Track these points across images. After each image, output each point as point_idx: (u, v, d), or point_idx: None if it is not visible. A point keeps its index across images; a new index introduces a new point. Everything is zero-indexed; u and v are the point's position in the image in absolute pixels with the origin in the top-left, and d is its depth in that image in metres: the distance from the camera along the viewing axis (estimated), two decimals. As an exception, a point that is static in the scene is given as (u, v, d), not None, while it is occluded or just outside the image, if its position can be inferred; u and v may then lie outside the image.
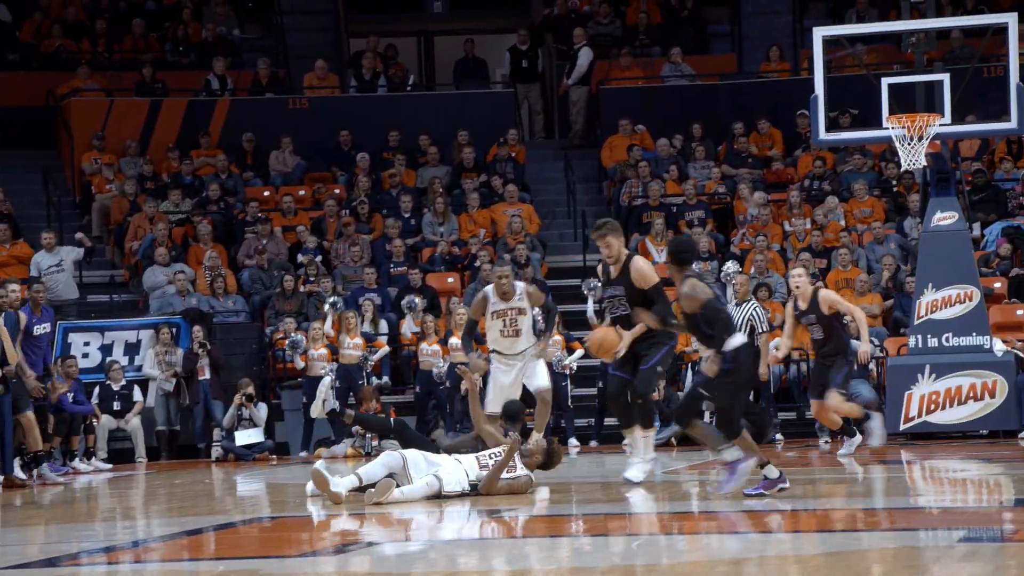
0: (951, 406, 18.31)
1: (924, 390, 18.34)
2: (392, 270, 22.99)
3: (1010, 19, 18.31)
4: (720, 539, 9.33)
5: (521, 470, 12.10)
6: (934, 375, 18.28)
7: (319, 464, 11.93)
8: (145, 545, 10.04)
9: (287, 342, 20.55)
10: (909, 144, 17.99)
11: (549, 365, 15.20)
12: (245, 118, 26.02)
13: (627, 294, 12.40)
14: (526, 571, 8.08)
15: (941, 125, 18.06)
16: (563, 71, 27.18)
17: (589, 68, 26.82)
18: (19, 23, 27.44)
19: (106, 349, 21.00)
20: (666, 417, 19.12)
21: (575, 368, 20.32)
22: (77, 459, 18.55)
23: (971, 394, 18.28)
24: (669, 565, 8.15)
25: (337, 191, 24.96)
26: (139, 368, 20.95)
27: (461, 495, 11.80)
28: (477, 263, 22.69)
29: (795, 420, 20.39)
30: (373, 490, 11.61)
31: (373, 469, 11.81)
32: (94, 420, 19.55)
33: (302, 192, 25.17)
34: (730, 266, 19.28)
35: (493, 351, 13.77)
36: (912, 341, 18.80)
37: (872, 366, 19.27)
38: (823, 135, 18.88)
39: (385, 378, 20.96)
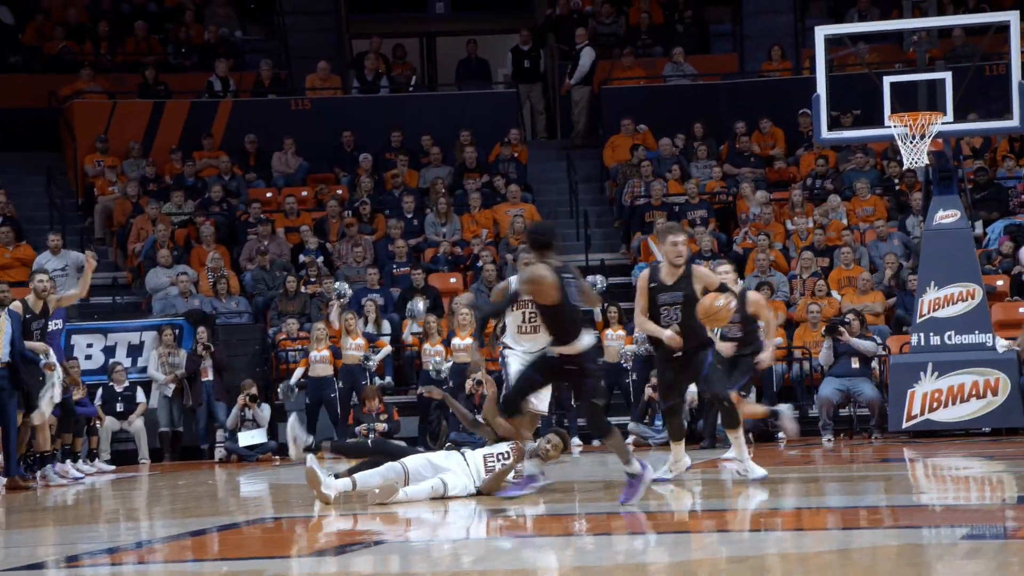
0: (953, 404, 18.29)
1: (926, 388, 18.32)
2: (395, 271, 22.99)
3: (1012, 17, 18.28)
4: (724, 537, 9.32)
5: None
6: (936, 373, 18.27)
7: (311, 462, 11.90)
8: (149, 546, 10.04)
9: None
10: (911, 142, 17.97)
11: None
12: (247, 119, 26.03)
13: (684, 302, 11.97)
14: (529, 571, 8.07)
15: (943, 123, 18.04)
16: (565, 71, 27.18)
17: (591, 68, 26.83)
18: (21, 25, 27.45)
19: (109, 351, 21.01)
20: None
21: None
22: (80, 460, 18.54)
23: (973, 392, 18.26)
24: (672, 564, 8.15)
25: (339, 192, 24.97)
26: (142, 370, 20.96)
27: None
28: (479, 263, 22.70)
29: (797, 418, 20.35)
30: (378, 491, 11.61)
31: (370, 478, 11.79)
32: (97, 422, 19.57)
33: (304, 193, 25.17)
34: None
35: (506, 347, 12.69)
36: (914, 339, 18.78)
37: (875, 364, 19.27)
38: (825, 134, 18.87)
39: (388, 379, 20.96)
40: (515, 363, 12.40)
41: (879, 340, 19.54)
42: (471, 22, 29.66)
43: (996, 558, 7.87)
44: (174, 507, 13.34)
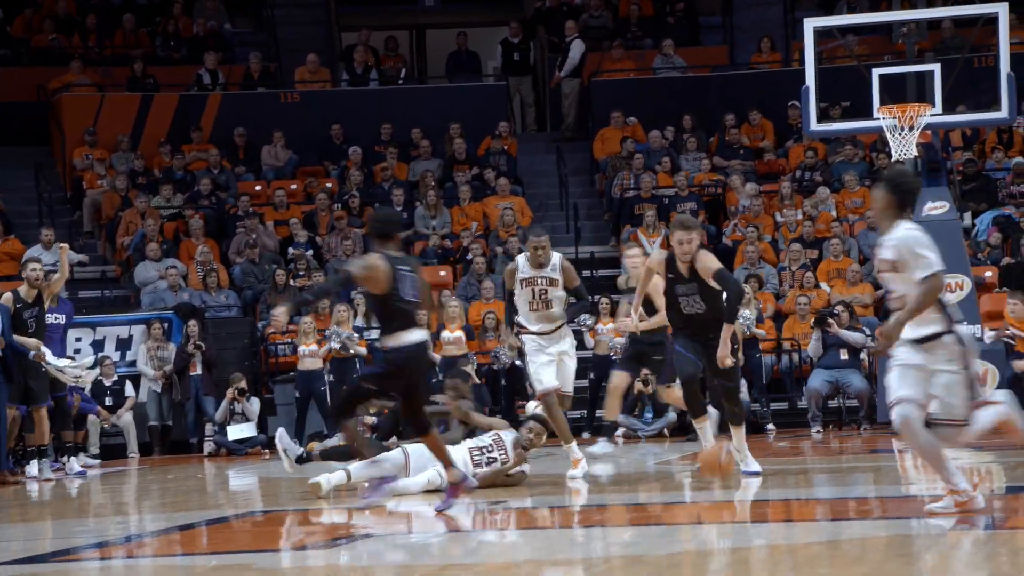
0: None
1: (916, 379, 18.32)
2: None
3: (1001, 9, 18.30)
4: (713, 528, 9.33)
5: (518, 467, 12.12)
6: (926, 365, 18.28)
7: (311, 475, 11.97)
8: (138, 540, 10.03)
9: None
10: (900, 134, 18.00)
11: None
12: (236, 112, 25.99)
13: (700, 291, 11.95)
14: (518, 563, 8.08)
15: (932, 115, 18.07)
16: (555, 64, 27.16)
17: (581, 60, 26.81)
18: (10, 18, 27.39)
19: (98, 344, 20.98)
20: (658, 408, 19.15)
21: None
22: (68, 456, 18.51)
23: (963, 383, 18.27)
24: (661, 555, 8.15)
25: (329, 185, 24.95)
26: (131, 363, 20.94)
27: None
28: (469, 256, 22.69)
29: (786, 410, 20.41)
30: (367, 485, 11.63)
31: (364, 471, 11.79)
32: (97, 416, 19.60)
33: (294, 186, 25.15)
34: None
35: (521, 331, 12.93)
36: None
37: (864, 356, 19.29)
38: (814, 126, 18.89)
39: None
40: (531, 349, 12.76)
41: (868, 331, 19.54)
42: (461, 15, 29.64)
43: (984, 548, 7.89)
44: (163, 501, 13.34)
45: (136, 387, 20.55)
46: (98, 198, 24.63)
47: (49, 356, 15.75)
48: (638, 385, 19.12)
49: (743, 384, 19.03)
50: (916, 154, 18.47)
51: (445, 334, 20.27)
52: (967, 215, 22.15)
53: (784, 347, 20.80)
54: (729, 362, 11.72)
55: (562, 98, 27.10)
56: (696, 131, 25.38)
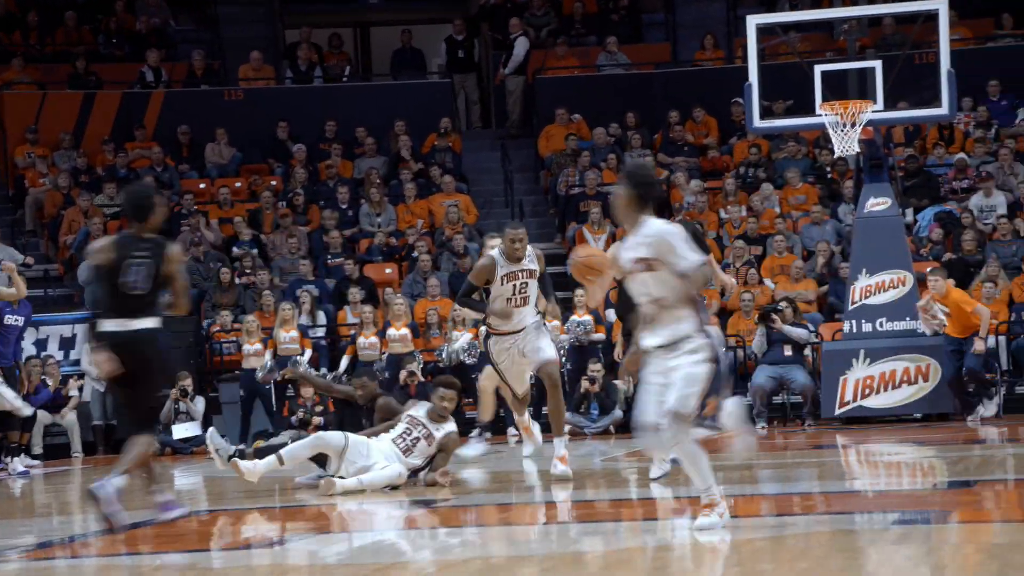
0: (885, 390, 18.41)
1: (859, 375, 18.44)
2: (329, 261, 22.92)
3: (941, 5, 18.41)
4: (658, 525, 9.35)
5: (443, 431, 12.11)
6: (868, 360, 18.38)
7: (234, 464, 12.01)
8: (82, 540, 9.96)
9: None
10: (842, 131, 18.08)
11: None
12: (180, 110, 25.86)
13: None
14: (464, 560, 8.08)
15: (874, 112, 18.15)
16: (499, 61, 27.16)
17: (525, 58, 26.82)
18: (-51, 16, 27.17)
19: (41, 344, 20.83)
20: (604, 406, 19.18)
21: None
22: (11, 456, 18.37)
23: (905, 378, 18.39)
24: (605, 552, 8.17)
25: (274, 183, 24.86)
26: (75, 362, 20.80)
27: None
28: (415, 254, 22.67)
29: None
30: (323, 483, 11.67)
31: (298, 450, 11.85)
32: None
33: (238, 184, 25.05)
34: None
35: (490, 332, 12.29)
36: (846, 326, 18.91)
37: (808, 351, 19.38)
38: (757, 123, 18.95)
39: (323, 370, 20.87)
40: (502, 357, 12.25)
41: (812, 327, 19.65)
42: (405, 12, 29.58)
43: (926, 542, 7.93)
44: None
45: (80, 386, 20.40)
46: (40, 196, 24.46)
47: None
48: (585, 383, 19.13)
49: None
50: (858, 150, 18.57)
51: (391, 332, 20.23)
52: (909, 211, 22.28)
53: (729, 343, 20.86)
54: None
55: (507, 95, 27.10)
56: (640, 128, 25.43)
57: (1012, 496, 10.16)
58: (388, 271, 22.89)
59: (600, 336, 20.19)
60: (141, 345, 10.02)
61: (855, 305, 18.78)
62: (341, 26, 29.10)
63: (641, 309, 8.30)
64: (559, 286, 20.99)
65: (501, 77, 27.07)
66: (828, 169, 23.99)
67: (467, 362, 19.38)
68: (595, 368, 19.13)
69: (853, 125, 17.99)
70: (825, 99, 18.26)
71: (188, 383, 19.84)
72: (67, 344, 21.03)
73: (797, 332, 19.03)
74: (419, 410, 12.18)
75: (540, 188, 25.82)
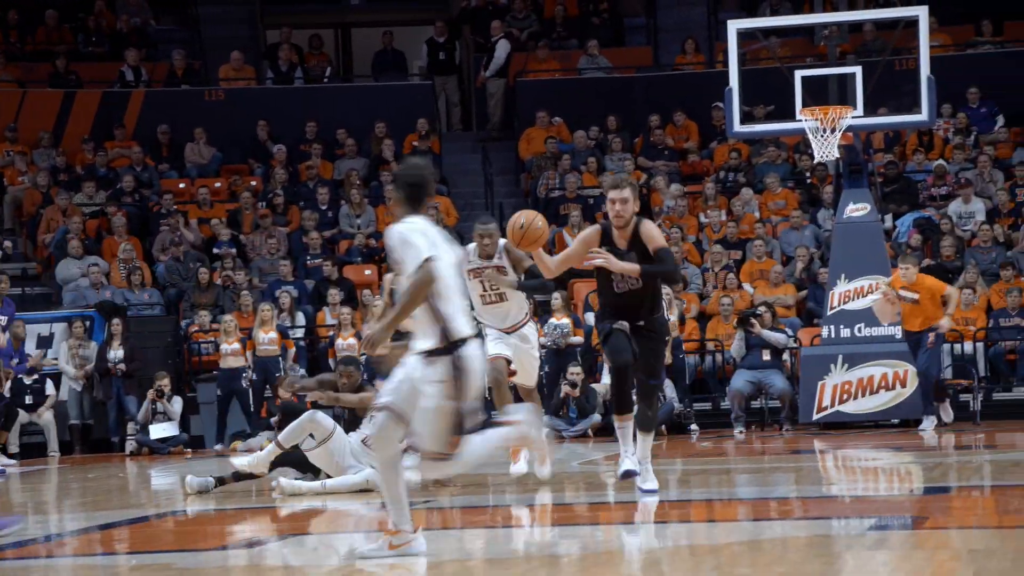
0: (863, 396, 18.43)
1: (837, 380, 18.46)
2: (308, 262, 22.89)
3: (921, 12, 18.45)
4: (635, 528, 9.35)
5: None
6: (847, 365, 18.41)
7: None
8: (58, 540, 9.93)
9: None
10: (822, 136, 18.10)
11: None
12: (160, 110, 25.80)
13: (640, 263, 10.49)
14: (438, 564, 8.06)
15: (853, 117, 18.18)
16: (480, 63, 27.16)
17: (506, 60, 26.82)
18: (-71, 13, 27.08)
19: (19, 342, 20.75)
20: (583, 410, 19.17)
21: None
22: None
23: (883, 384, 18.42)
24: (583, 555, 8.16)
25: (254, 183, 24.82)
26: (52, 361, 20.73)
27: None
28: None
29: (710, 411, 20.49)
30: (283, 482, 11.70)
31: (294, 431, 11.90)
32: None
33: (218, 184, 25.00)
34: None
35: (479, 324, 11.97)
36: (825, 331, 18.93)
37: (786, 356, 19.40)
38: (738, 127, 18.96)
39: (301, 371, 20.85)
40: (489, 334, 11.95)
41: (790, 332, 19.68)
42: (386, 13, 29.54)
43: (902, 548, 7.95)
44: (84, 500, 13.22)
45: (57, 385, 20.36)
46: (19, 195, 24.38)
47: None
48: (565, 388, 19.13)
49: (670, 386, 19.08)
50: (838, 156, 18.60)
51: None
52: (888, 217, 22.32)
53: (708, 348, 20.89)
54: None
55: (487, 98, 27.09)
56: (621, 132, 25.45)
57: (988, 502, 10.18)
58: (367, 273, 22.86)
59: (578, 339, 20.20)
60: None
61: (833, 310, 18.81)
62: (322, 27, 29.08)
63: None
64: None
65: (482, 79, 27.06)
66: (808, 174, 24.03)
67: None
68: (574, 371, 19.12)
69: (833, 130, 18.02)
70: (805, 104, 18.29)
71: (166, 383, 19.79)
72: (45, 343, 20.96)
73: (775, 337, 19.05)
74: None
75: (520, 191, 25.81)
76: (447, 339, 7.52)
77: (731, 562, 7.56)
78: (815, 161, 20.44)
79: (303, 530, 10.11)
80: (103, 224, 23.65)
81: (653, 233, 10.54)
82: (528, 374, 12.27)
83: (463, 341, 7.57)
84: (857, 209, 18.90)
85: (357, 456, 11.97)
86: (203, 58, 27.27)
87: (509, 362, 12.03)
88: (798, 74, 18.62)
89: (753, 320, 19.04)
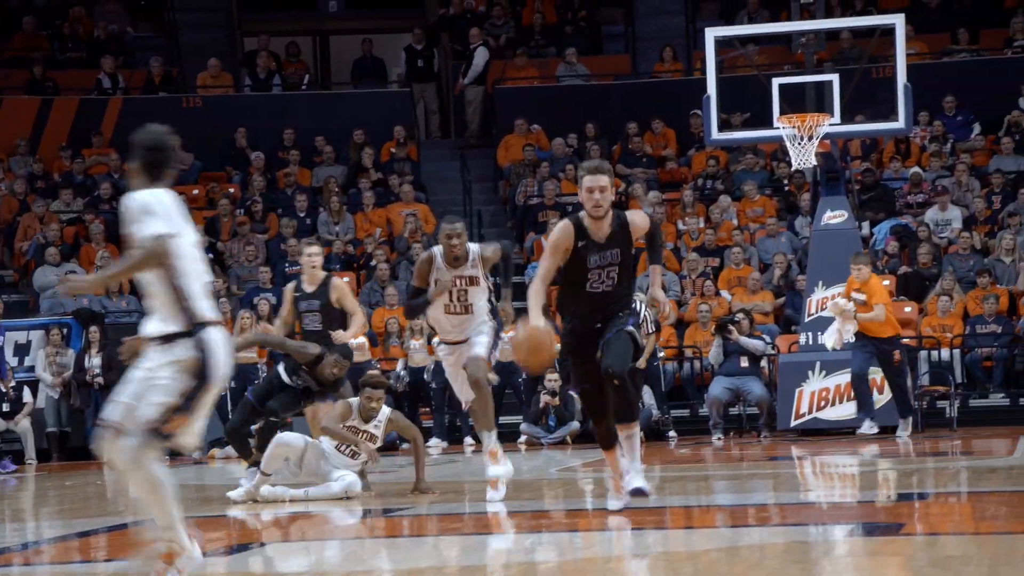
0: (840, 403, 18.47)
1: (814, 387, 18.51)
2: (287, 269, 22.85)
3: (897, 20, 18.54)
4: (613, 536, 9.36)
5: (382, 418, 12.09)
6: (824, 372, 18.45)
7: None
8: (36, 547, 9.91)
9: None
10: (800, 144, 18.16)
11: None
12: (138, 117, 25.53)
13: (622, 260, 9.58)
14: (416, 571, 8.07)
15: (831, 125, 18.25)
16: (459, 71, 27.17)
17: (485, 68, 26.84)
18: (-94, 20, 27.00)
19: (-9, 350, 20.74)
20: (561, 417, 19.18)
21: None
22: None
23: (859, 391, 18.45)
24: (560, 563, 8.17)
25: (232, 190, 24.80)
26: (30, 369, 20.70)
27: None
28: (373, 262, 22.65)
29: (688, 417, 20.53)
30: (264, 491, 11.71)
31: (270, 460, 11.90)
32: None
33: (196, 191, 24.97)
34: None
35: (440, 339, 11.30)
36: (803, 338, 18.98)
37: (764, 363, 19.44)
38: (716, 135, 19.02)
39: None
40: (446, 357, 11.27)
41: (768, 339, 19.72)
42: (364, 21, 29.55)
43: (879, 555, 7.97)
44: (61, 508, 13.19)
45: (34, 393, 20.31)
46: (-4, 202, 24.34)
47: None
48: (545, 398, 19.13)
49: (648, 393, 19.07)
50: (815, 163, 18.66)
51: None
52: (865, 224, 22.39)
53: (686, 354, 20.92)
54: (664, 305, 9.73)
55: (466, 105, 27.12)
56: (599, 139, 25.48)
57: (965, 508, 10.22)
58: (346, 279, 22.79)
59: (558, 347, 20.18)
60: None
61: (811, 317, 18.86)
62: (300, 34, 29.07)
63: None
64: (520, 296, 21.00)
65: (460, 87, 27.09)
66: (786, 182, 24.09)
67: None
68: (552, 378, 19.13)
69: (810, 138, 18.08)
70: (783, 112, 18.35)
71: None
72: (22, 350, 20.92)
73: (753, 344, 19.08)
74: (353, 417, 12.11)
75: (499, 198, 25.83)
76: (190, 321, 6.77)
77: (709, 569, 7.58)
78: (793, 168, 20.48)
79: (286, 537, 10.10)
80: (80, 231, 23.61)
81: (639, 222, 9.72)
82: (478, 344, 11.09)
83: (206, 324, 6.79)
84: (834, 216, 18.95)
85: (333, 461, 11.98)
86: (181, 65, 27.23)
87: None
88: (776, 82, 18.68)
89: (731, 327, 19.08)
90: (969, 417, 19.48)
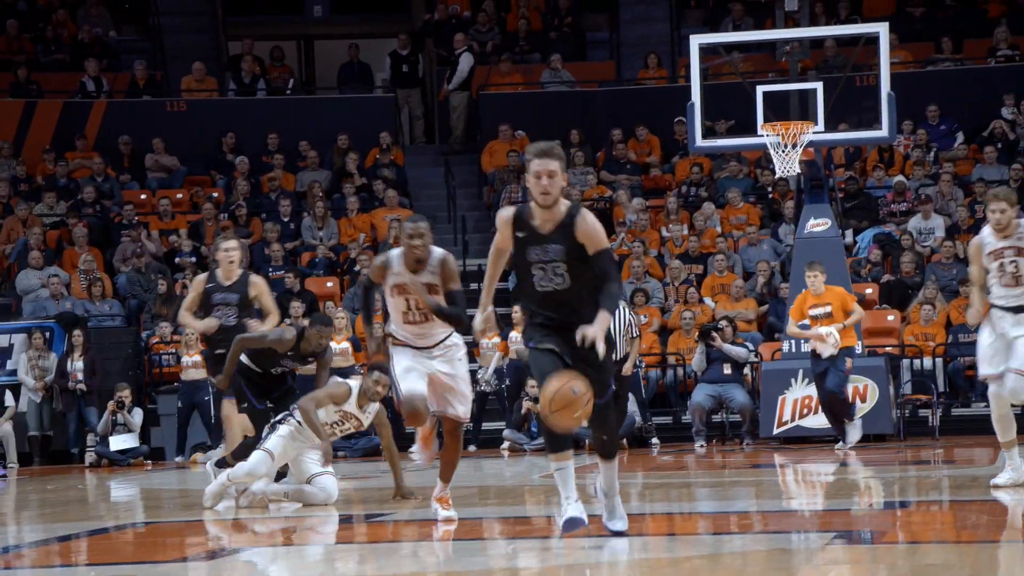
0: (823, 411, 18.49)
1: (797, 395, 18.52)
2: (271, 274, 22.83)
3: (881, 29, 18.57)
4: (596, 542, 9.36)
5: (370, 411, 12.06)
6: (807, 380, 18.44)
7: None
8: (16, 551, 9.90)
9: None
10: (783, 151, 18.19)
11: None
12: (122, 120, 25.73)
13: (567, 258, 8.43)
14: (406, 575, 8.07)
15: (814, 133, 18.28)
16: (444, 76, 27.18)
17: (469, 74, 26.85)
18: None
19: (-22, 353, 20.70)
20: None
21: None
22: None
23: (843, 398, 18.48)
24: (542, 569, 8.17)
25: (215, 194, 24.78)
26: (12, 372, 20.66)
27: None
28: (356, 267, 22.64)
29: (671, 424, 20.54)
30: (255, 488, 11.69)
31: (269, 467, 11.87)
32: None
33: (180, 195, 24.94)
34: None
35: (394, 342, 10.11)
36: (786, 346, 18.99)
37: (747, 371, 19.47)
38: (700, 142, 19.02)
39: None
40: (401, 360, 10.02)
41: (751, 347, 19.74)
42: (349, 26, 29.54)
43: (861, 562, 7.99)
44: (43, 512, 13.16)
45: (16, 396, 20.27)
46: (-21, 205, 24.29)
47: None
48: (527, 404, 19.13)
49: (632, 401, 18.94)
50: (799, 171, 18.68)
51: (332, 345, 20.14)
52: (849, 232, 22.43)
53: (669, 361, 20.94)
54: (600, 346, 8.20)
55: (451, 111, 27.12)
56: (583, 146, 25.50)
57: (946, 517, 10.25)
58: (329, 284, 22.85)
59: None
60: None
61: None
62: (284, 39, 29.06)
63: None
64: (503, 303, 21.04)
65: (445, 93, 27.09)
66: (769, 189, 24.14)
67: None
68: (534, 385, 19.11)
69: (794, 146, 18.10)
70: (767, 119, 18.37)
71: (126, 395, 19.73)
72: (4, 354, 20.89)
73: (736, 351, 19.11)
74: (350, 401, 12.00)
75: (483, 204, 25.84)
76: None
77: (691, 575, 7.59)
78: (776, 176, 20.50)
79: (266, 542, 10.09)
80: (64, 235, 23.57)
81: (594, 229, 8.42)
82: (463, 400, 10.07)
83: None
84: (818, 224, 18.98)
85: (310, 454, 11.90)
86: (164, 69, 27.22)
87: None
88: (760, 89, 18.71)
89: (714, 334, 19.10)
90: (951, 426, 19.52)
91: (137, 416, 19.90)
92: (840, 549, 8.54)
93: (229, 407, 12.73)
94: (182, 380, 20.18)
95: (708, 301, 21.73)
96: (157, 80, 26.76)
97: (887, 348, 20.06)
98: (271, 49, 27.89)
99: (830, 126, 18.63)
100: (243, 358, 12.45)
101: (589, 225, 8.36)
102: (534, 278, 8.45)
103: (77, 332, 20.43)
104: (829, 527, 9.74)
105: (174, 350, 20.87)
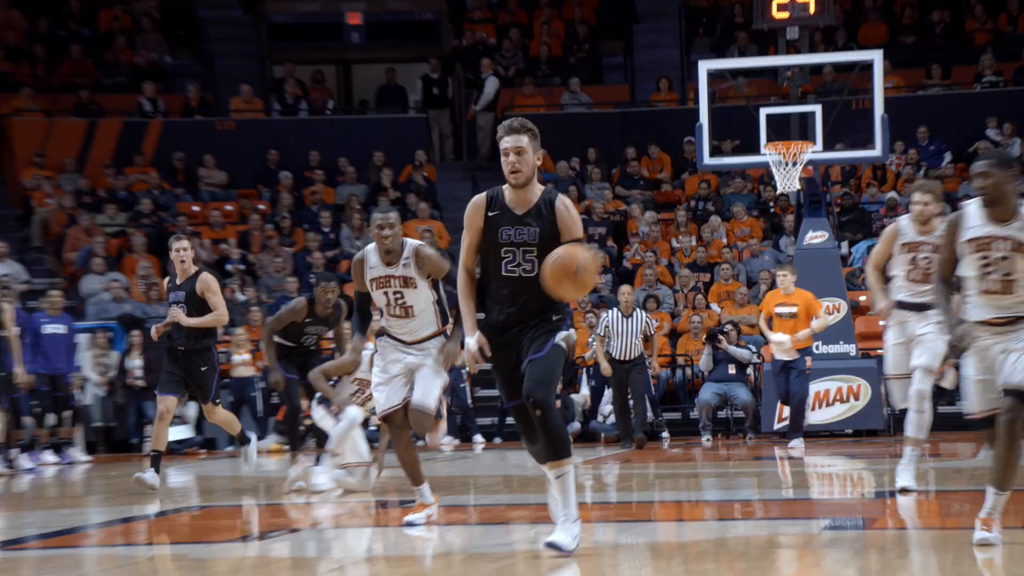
0: (820, 408, 18.55)
1: (796, 393, 18.54)
2: (312, 280, 22.97)
3: (876, 56, 18.65)
4: (604, 528, 9.45)
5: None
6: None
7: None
8: (83, 531, 10.03)
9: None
10: (784, 169, 18.26)
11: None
12: (176, 138, 25.89)
13: (539, 242, 7.54)
14: (435, 555, 8.17)
15: (813, 152, 18.35)
16: (471, 98, 27.29)
17: (495, 96, 26.96)
18: (-39, 47, 27.15)
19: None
20: (563, 418, 19.26)
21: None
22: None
23: (838, 396, 18.55)
24: (558, 552, 8.26)
25: (262, 207, 24.93)
26: (77, 369, 20.80)
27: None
28: (391, 274, 22.74)
29: (680, 420, 20.62)
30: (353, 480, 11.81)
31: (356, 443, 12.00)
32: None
33: (229, 207, 25.10)
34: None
35: (382, 334, 9.40)
36: (786, 348, 19.01)
37: (750, 371, 19.53)
38: (707, 160, 19.11)
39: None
40: (384, 348, 9.34)
41: (754, 349, 19.81)
42: (384, 51, 29.65)
43: (854, 546, 8.08)
44: (107, 496, 13.30)
45: (82, 390, 20.44)
46: (46, 216, 24.46)
47: None
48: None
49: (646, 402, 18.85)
50: (799, 187, 18.76)
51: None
52: (844, 244, 22.48)
53: (678, 362, 21.02)
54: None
55: (477, 130, 27.23)
56: (600, 163, 25.58)
57: (932, 506, 10.32)
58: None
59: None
60: None
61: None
62: (325, 63, 29.19)
63: None
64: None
65: (472, 113, 27.20)
66: (771, 204, 24.19)
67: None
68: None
69: (794, 164, 18.18)
70: (769, 139, 18.44)
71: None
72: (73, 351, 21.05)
73: (740, 353, 19.19)
74: (363, 368, 12.15)
75: (507, 216, 25.87)
76: None
77: (698, 558, 7.67)
78: (778, 192, 20.58)
79: (316, 524, 10.19)
80: (124, 243, 23.74)
81: (573, 221, 7.59)
82: (424, 390, 9.18)
83: None
84: (816, 236, 19.05)
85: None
86: (215, 91, 27.38)
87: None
88: (763, 111, 18.79)
89: (720, 337, 19.18)
90: (936, 422, 19.41)
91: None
92: (834, 534, 8.62)
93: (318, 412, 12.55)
94: (232, 377, 20.33)
95: (715, 307, 21.81)
96: (208, 101, 26.92)
97: (879, 351, 20.07)
98: (312, 73, 28.03)
99: (828, 146, 18.69)
100: (276, 338, 12.54)
101: (571, 213, 7.59)
102: (503, 261, 7.55)
103: (136, 332, 20.57)
104: (824, 514, 9.82)
105: (225, 349, 21.00)
